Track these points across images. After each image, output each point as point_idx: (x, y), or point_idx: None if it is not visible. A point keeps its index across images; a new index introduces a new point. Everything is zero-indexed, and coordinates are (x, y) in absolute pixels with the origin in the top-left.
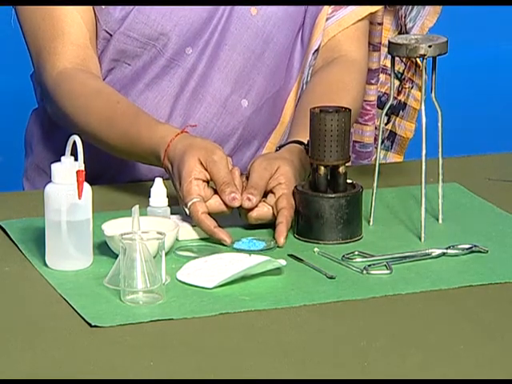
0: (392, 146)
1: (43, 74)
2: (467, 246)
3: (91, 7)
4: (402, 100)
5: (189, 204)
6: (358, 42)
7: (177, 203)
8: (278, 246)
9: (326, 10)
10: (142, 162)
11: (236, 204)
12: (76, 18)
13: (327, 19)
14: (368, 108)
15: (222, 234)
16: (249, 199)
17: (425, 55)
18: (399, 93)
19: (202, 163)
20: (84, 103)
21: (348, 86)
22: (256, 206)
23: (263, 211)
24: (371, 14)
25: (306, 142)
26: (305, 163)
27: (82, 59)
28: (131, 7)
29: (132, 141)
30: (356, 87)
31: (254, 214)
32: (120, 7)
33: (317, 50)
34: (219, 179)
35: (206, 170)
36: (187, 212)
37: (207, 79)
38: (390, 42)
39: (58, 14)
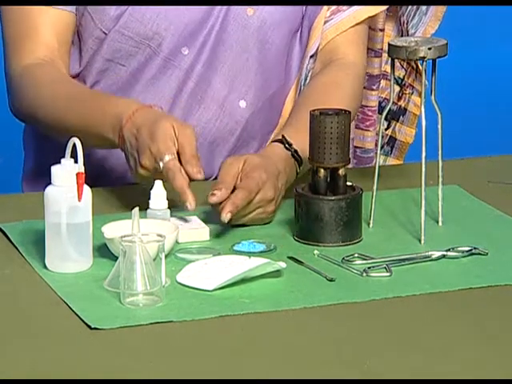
0: (392, 151)
1: (9, 67)
2: (467, 249)
3: (68, 13)
4: (403, 105)
5: (166, 159)
6: (356, 45)
7: (177, 205)
8: (222, 223)
9: (324, 13)
10: (92, 141)
11: (199, 177)
12: (50, 19)
13: (325, 22)
14: (369, 114)
15: (190, 196)
16: (213, 194)
17: (424, 57)
18: (399, 98)
19: (174, 131)
20: (50, 88)
21: (342, 86)
22: (225, 200)
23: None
24: (370, 17)
25: (283, 137)
26: (280, 157)
27: (50, 58)
28: (126, 6)
29: (93, 112)
30: (351, 88)
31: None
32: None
33: (315, 54)
34: (186, 152)
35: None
36: (161, 166)
37: (205, 80)
38: (389, 45)
39: (32, 14)
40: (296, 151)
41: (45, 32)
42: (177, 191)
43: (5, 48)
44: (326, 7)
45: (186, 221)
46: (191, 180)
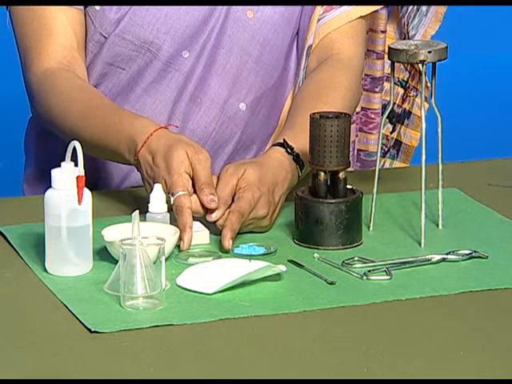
0: (398, 154)
1: (29, 72)
2: (467, 252)
3: (81, 11)
4: (407, 108)
5: (177, 195)
6: (352, 39)
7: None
8: (226, 251)
9: (318, 11)
10: (109, 156)
11: (213, 206)
12: (64, 21)
13: (318, 20)
14: (372, 116)
15: (187, 237)
16: (210, 216)
17: (424, 61)
18: (404, 101)
19: (188, 158)
20: (66, 97)
21: (336, 83)
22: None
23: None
24: (362, 17)
25: (284, 142)
26: (284, 163)
27: (68, 61)
28: (126, 9)
29: (109, 128)
30: (345, 84)
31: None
32: (115, 9)
33: (308, 52)
34: (201, 178)
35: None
36: (171, 201)
37: (205, 83)
38: (389, 48)
39: (47, 16)
40: (298, 155)
41: (62, 32)
42: (179, 228)
43: (21, 51)
44: (319, 6)
45: None
46: (203, 208)
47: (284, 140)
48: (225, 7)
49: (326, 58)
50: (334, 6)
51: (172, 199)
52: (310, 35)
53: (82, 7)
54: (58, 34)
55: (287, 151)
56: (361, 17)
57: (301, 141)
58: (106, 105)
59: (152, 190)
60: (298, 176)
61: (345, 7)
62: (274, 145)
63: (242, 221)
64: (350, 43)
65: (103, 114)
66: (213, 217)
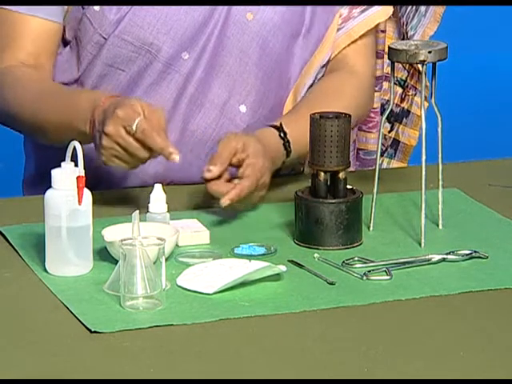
0: (395, 153)
1: None
2: (467, 252)
3: (59, 25)
4: (406, 107)
5: (138, 120)
6: (365, 57)
7: (177, 209)
8: (218, 206)
9: (336, 22)
10: (65, 133)
11: (171, 151)
12: (31, 29)
13: (337, 30)
14: (372, 115)
15: (174, 148)
16: (208, 170)
17: (424, 61)
18: (402, 100)
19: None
20: (23, 87)
21: (341, 93)
22: (218, 178)
23: (223, 186)
24: (379, 24)
25: (280, 125)
26: (272, 143)
27: (31, 63)
28: (126, 10)
29: (64, 105)
30: (351, 96)
31: (213, 186)
32: (115, 10)
33: (326, 63)
34: (156, 123)
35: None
36: (133, 127)
37: (205, 84)
38: (389, 48)
39: (15, 22)
40: (288, 142)
41: (29, 38)
42: (157, 148)
43: None
44: (337, 16)
45: (186, 224)
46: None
47: (280, 124)
48: (225, 9)
49: (339, 70)
50: (352, 16)
51: (134, 126)
52: (327, 47)
53: (60, 19)
54: (24, 40)
55: (280, 135)
56: (377, 25)
57: (297, 129)
58: (62, 88)
59: (152, 190)
60: (282, 162)
61: (362, 15)
62: (269, 125)
63: (254, 188)
64: (363, 61)
65: (59, 96)
66: (211, 170)
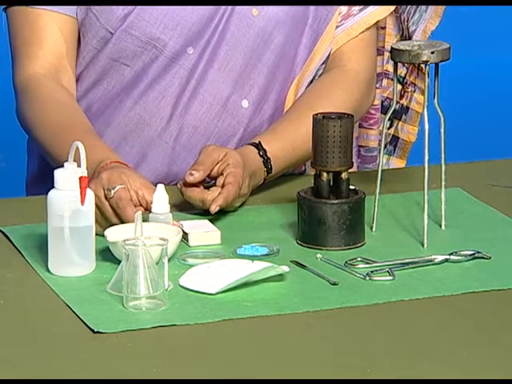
0: (395, 150)
1: (15, 75)
2: (470, 252)
3: (74, 19)
4: (405, 104)
5: (117, 187)
6: (361, 52)
7: (178, 209)
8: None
9: (336, 19)
10: None
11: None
12: (55, 28)
13: (336, 27)
14: (372, 112)
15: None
16: (191, 174)
17: (427, 61)
18: (401, 97)
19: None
20: (45, 112)
21: (332, 94)
22: (199, 185)
23: (198, 193)
24: (378, 21)
25: (259, 144)
26: (251, 159)
27: (55, 68)
28: (133, 6)
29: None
30: (341, 97)
31: (188, 192)
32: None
33: (326, 59)
34: (139, 183)
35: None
36: (111, 194)
37: (208, 79)
38: (392, 48)
39: (39, 22)
40: (269, 159)
41: (52, 39)
42: (125, 220)
43: (12, 53)
44: (337, 13)
45: (197, 225)
46: (145, 209)
47: (259, 142)
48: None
49: (333, 68)
50: (351, 13)
51: (112, 193)
52: (327, 44)
53: (73, 13)
54: (47, 41)
55: (259, 153)
56: (376, 22)
57: (276, 146)
58: (79, 127)
59: (155, 190)
60: (263, 179)
61: (362, 13)
62: (248, 143)
63: (237, 195)
64: (359, 57)
65: (73, 138)
66: (194, 175)
